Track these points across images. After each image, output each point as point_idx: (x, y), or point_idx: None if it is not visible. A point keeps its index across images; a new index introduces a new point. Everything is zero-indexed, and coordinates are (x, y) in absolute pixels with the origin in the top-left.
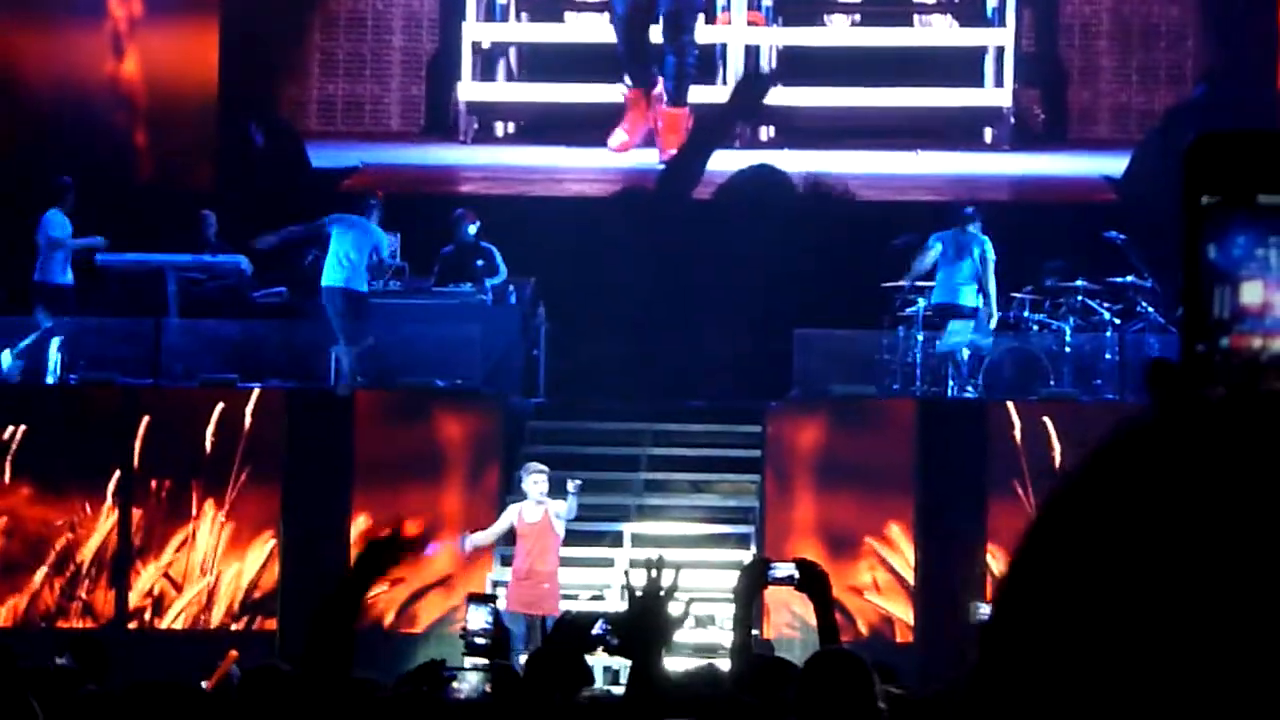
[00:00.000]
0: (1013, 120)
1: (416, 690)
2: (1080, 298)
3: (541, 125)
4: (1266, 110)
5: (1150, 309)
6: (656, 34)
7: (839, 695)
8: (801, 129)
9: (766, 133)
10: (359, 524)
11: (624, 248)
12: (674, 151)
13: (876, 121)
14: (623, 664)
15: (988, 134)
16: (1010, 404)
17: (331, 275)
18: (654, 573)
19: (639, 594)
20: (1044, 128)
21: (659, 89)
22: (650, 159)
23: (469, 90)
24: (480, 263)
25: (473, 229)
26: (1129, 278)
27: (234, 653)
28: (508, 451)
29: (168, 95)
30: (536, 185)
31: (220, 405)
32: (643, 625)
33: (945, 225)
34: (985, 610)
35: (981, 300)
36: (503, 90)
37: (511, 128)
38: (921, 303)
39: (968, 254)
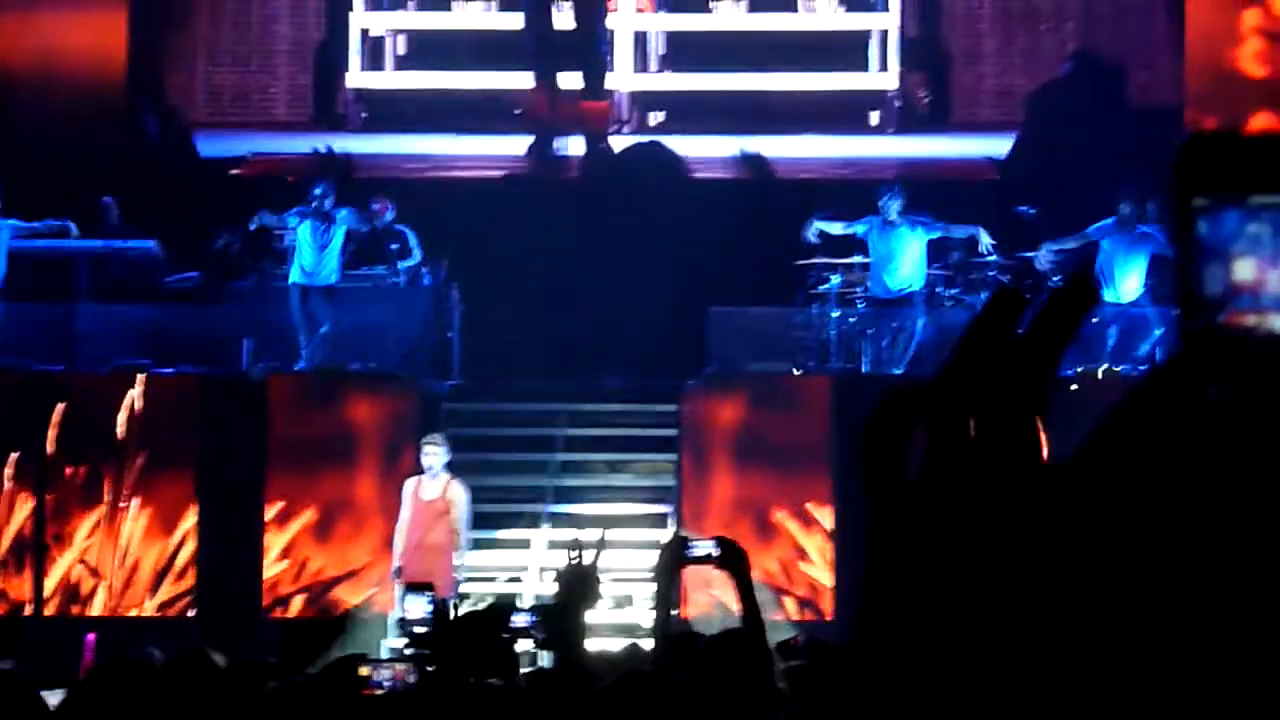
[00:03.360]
0: (898, 103)
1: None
2: (993, 272)
3: (431, 113)
4: (1121, 89)
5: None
6: (562, 21)
7: (736, 676)
8: (689, 114)
9: (655, 118)
10: (273, 510)
11: (534, 229)
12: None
13: (764, 106)
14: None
15: (874, 117)
16: (925, 379)
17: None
18: (576, 546)
19: (568, 562)
20: (929, 110)
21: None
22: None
23: (357, 79)
24: (395, 246)
25: (389, 215)
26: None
27: (91, 636)
28: (423, 434)
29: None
30: (429, 173)
31: (133, 390)
32: (572, 585)
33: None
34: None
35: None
36: (391, 78)
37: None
38: (835, 279)
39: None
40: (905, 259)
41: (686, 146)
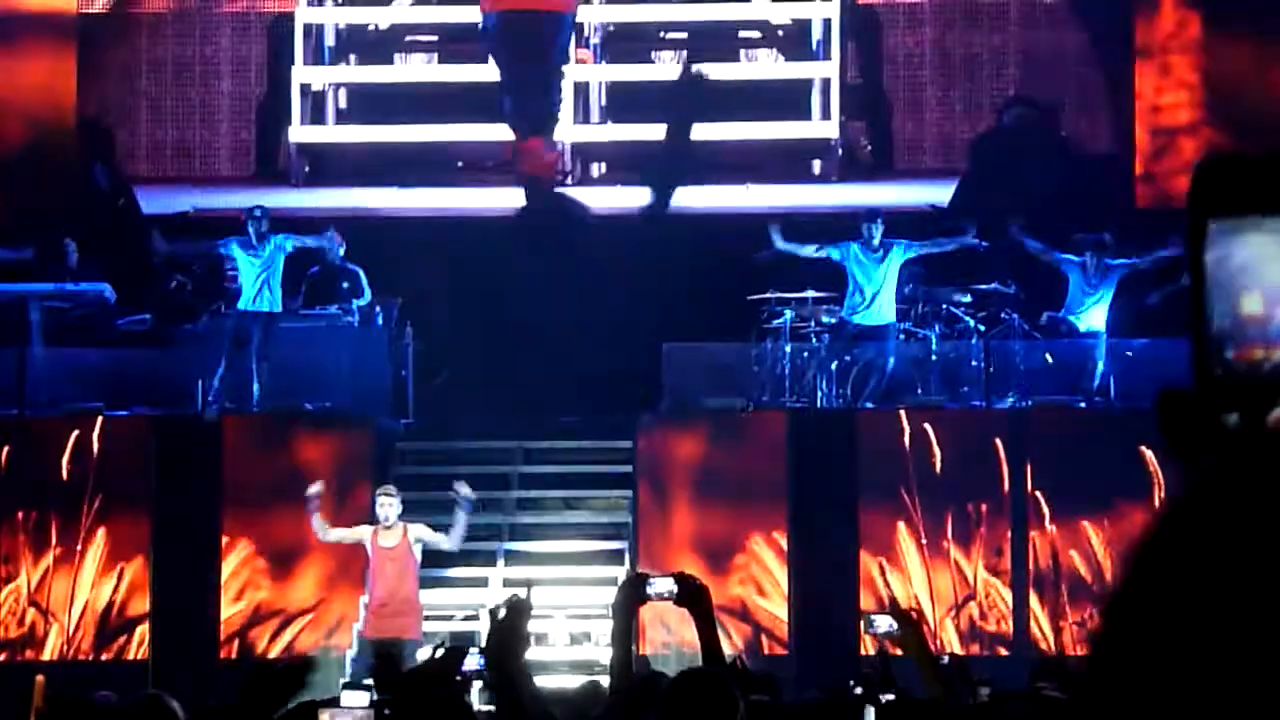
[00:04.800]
0: (840, 152)
1: None
2: (945, 305)
3: (373, 167)
4: (1060, 135)
5: (1014, 315)
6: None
7: (702, 716)
8: (632, 164)
9: (598, 169)
10: (227, 551)
11: (487, 269)
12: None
13: (706, 156)
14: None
15: (816, 166)
16: (880, 412)
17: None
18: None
19: (500, 613)
20: (871, 158)
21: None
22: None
23: (299, 133)
24: (345, 285)
25: (340, 250)
26: (993, 285)
27: (40, 678)
28: (377, 473)
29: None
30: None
31: (86, 433)
32: (502, 637)
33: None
34: (880, 622)
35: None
36: (333, 133)
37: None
38: (788, 314)
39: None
40: (885, 291)
41: (628, 197)
